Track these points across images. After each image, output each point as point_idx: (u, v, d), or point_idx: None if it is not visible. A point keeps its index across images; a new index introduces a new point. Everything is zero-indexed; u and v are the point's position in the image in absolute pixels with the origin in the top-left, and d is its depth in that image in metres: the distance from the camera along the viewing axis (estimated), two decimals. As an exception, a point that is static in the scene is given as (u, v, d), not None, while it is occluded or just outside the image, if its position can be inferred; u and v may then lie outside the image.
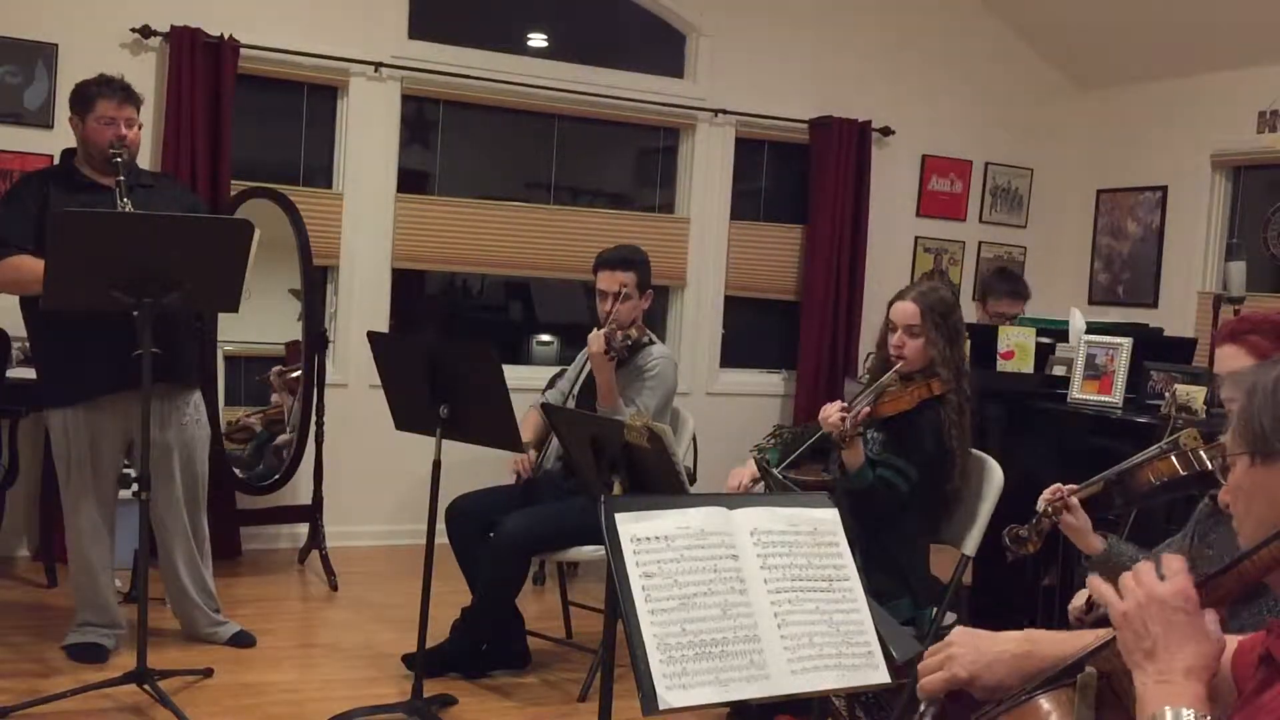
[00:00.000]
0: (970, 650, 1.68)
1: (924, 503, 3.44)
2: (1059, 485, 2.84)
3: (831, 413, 3.38)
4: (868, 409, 3.38)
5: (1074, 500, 2.79)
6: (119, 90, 3.86)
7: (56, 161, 4.07)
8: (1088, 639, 1.62)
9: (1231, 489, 1.51)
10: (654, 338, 4.27)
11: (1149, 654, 1.35)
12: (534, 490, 4.20)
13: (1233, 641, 1.55)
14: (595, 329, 4.07)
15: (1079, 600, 2.90)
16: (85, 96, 3.87)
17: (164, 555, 4.10)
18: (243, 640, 4.19)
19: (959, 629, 1.75)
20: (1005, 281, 5.73)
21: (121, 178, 3.71)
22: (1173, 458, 2.72)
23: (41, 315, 3.72)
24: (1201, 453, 2.62)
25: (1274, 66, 6.05)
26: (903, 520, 3.42)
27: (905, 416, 3.44)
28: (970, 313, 6.55)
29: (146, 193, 3.88)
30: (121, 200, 3.68)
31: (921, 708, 1.72)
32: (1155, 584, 1.37)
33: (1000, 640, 1.69)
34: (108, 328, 3.58)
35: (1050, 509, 2.83)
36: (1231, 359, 2.50)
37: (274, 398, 5.53)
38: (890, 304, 3.57)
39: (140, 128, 3.94)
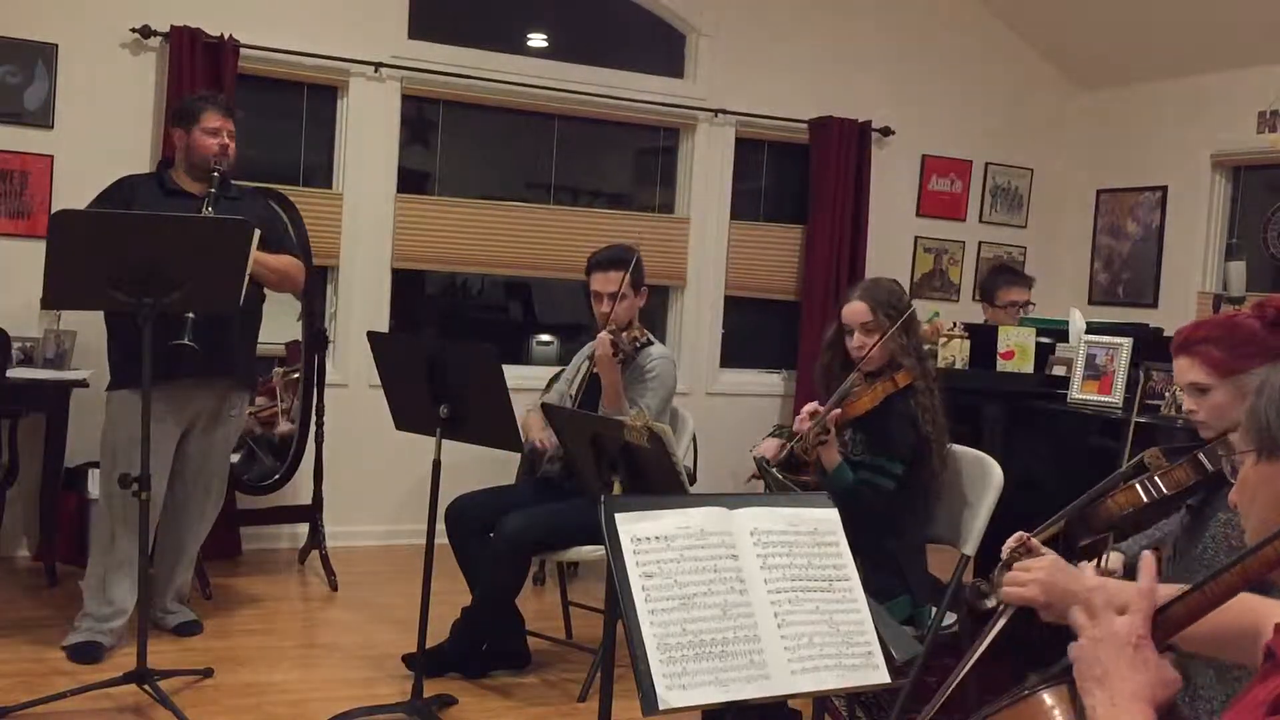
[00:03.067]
0: (1054, 583, 1.90)
1: (908, 495, 3.45)
2: (1021, 533, 2.78)
3: (804, 414, 3.41)
4: (835, 413, 3.40)
5: (1035, 543, 2.74)
6: (223, 104, 4.13)
7: (153, 170, 4.30)
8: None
9: (1239, 486, 1.54)
10: (652, 338, 4.27)
11: (1099, 680, 1.43)
12: (534, 490, 4.20)
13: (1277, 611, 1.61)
14: (599, 331, 4.06)
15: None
16: (191, 109, 4.10)
17: (173, 543, 4.22)
18: (187, 630, 4.26)
19: (1052, 557, 1.95)
20: (1006, 273, 5.73)
21: (213, 189, 3.94)
22: (1136, 487, 2.64)
23: None
24: (1159, 479, 2.56)
25: (1274, 66, 6.05)
26: (895, 516, 3.43)
27: (879, 413, 3.45)
28: (973, 314, 6.57)
29: (232, 204, 4.02)
30: (206, 208, 3.88)
31: (1000, 608, 1.97)
32: (1111, 621, 1.46)
33: (1079, 581, 1.88)
34: (166, 317, 3.65)
35: (1014, 556, 2.79)
36: (1186, 372, 2.42)
37: (260, 399, 5.52)
38: (840, 308, 3.61)
39: (235, 141, 4.13)
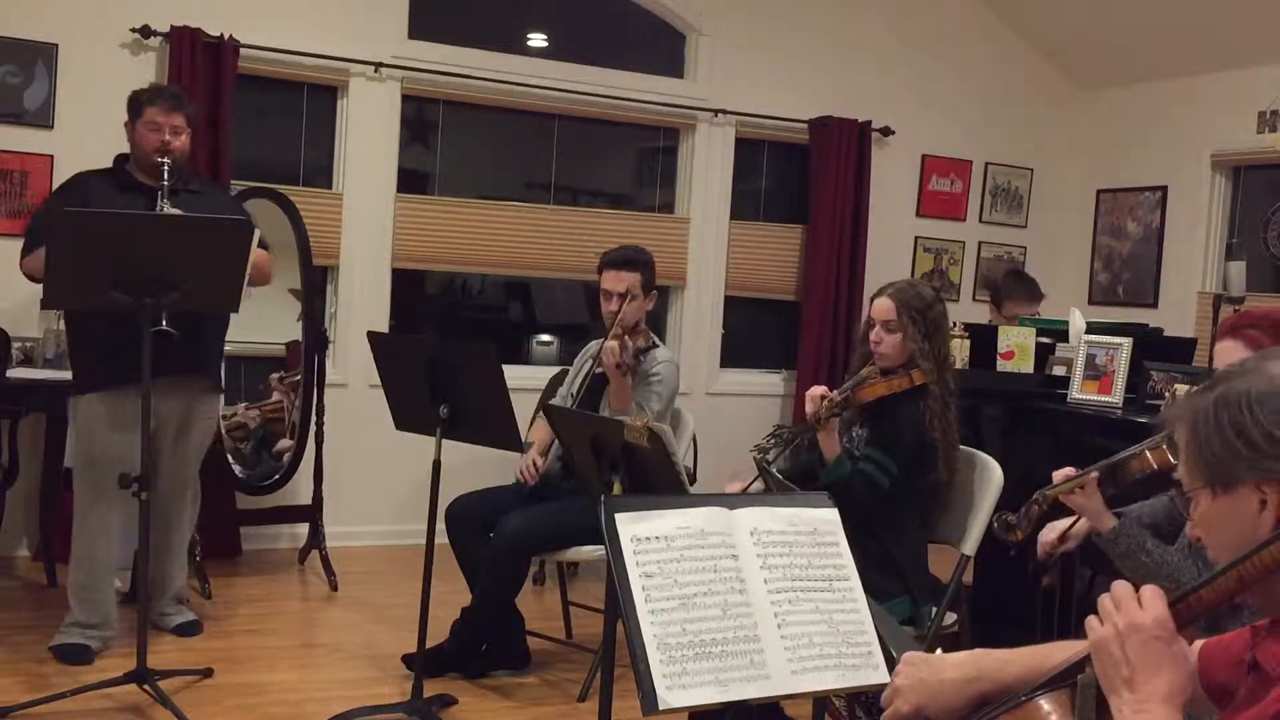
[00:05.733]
0: (914, 683, 1.69)
1: (910, 497, 3.45)
2: (1069, 469, 2.87)
3: (814, 394, 3.43)
4: (847, 394, 3.43)
5: (1091, 479, 2.81)
6: (169, 98, 4.02)
7: (110, 164, 4.17)
8: (1038, 657, 1.64)
9: (1200, 524, 1.48)
10: (657, 340, 4.27)
11: (1127, 681, 1.36)
12: (534, 490, 4.20)
13: (1197, 642, 1.56)
14: (606, 338, 4.06)
15: (1050, 535, 2.94)
16: (136, 103, 4.02)
17: (160, 543, 4.15)
18: (187, 630, 4.24)
19: (907, 656, 1.74)
20: (1020, 283, 5.73)
21: (165, 183, 3.85)
22: (1165, 449, 2.73)
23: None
24: None
25: (1274, 66, 6.05)
26: (896, 517, 3.43)
27: (887, 409, 3.45)
28: (973, 314, 6.57)
29: (191, 198, 3.97)
30: (161, 203, 3.81)
31: None
32: (1134, 611, 1.38)
33: (945, 667, 1.69)
34: (134, 317, 3.60)
35: (1041, 498, 2.87)
36: (1230, 353, 2.50)
37: (274, 395, 5.53)
38: (870, 301, 3.65)
39: (188, 136, 4.05)
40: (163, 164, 3.88)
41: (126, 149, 4.04)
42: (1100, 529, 2.82)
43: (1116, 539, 2.77)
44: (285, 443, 5.39)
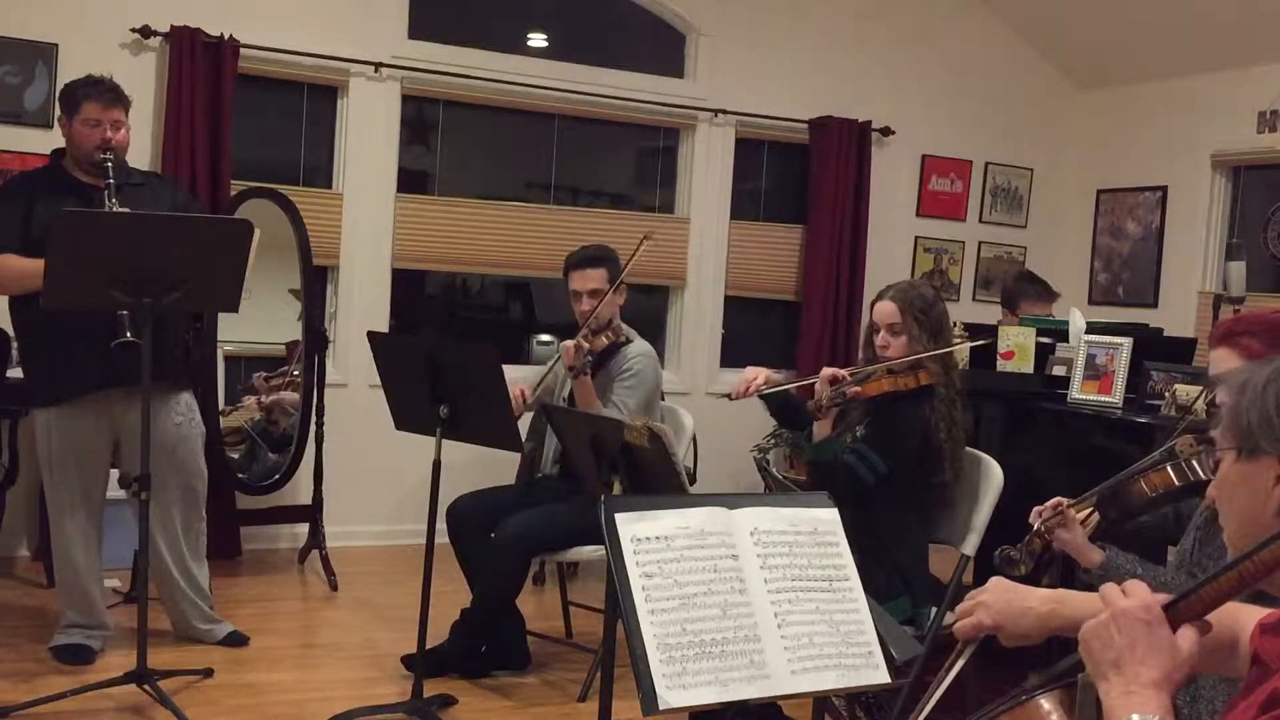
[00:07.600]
0: (1000, 602, 1.78)
1: (915, 498, 3.45)
2: (1060, 499, 2.81)
3: (827, 376, 3.45)
4: (856, 389, 3.43)
5: (1071, 513, 2.77)
6: (106, 92, 3.80)
7: (47, 160, 4.05)
8: None
9: (1218, 483, 1.54)
10: (630, 336, 4.25)
11: (1115, 664, 1.37)
12: (534, 491, 4.20)
13: (1254, 616, 1.57)
14: (580, 330, 4.07)
15: None
16: (72, 98, 3.81)
17: (154, 554, 4.05)
18: (236, 640, 4.19)
19: (996, 579, 1.85)
20: (1034, 284, 5.71)
21: (111, 180, 3.70)
22: (1168, 469, 2.69)
23: (27, 316, 3.76)
24: (1195, 463, 2.60)
25: (1274, 66, 6.05)
26: (896, 517, 3.42)
27: (891, 409, 3.45)
28: (974, 314, 6.57)
29: (135, 191, 3.86)
30: (110, 201, 3.66)
31: (959, 647, 1.82)
32: (1119, 598, 1.40)
33: (1031, 596, 1.78)
34: (93, 326, 3.56)
35: (1044, 526, 2.81)
36: (1224, 361, 2.48)
37: (261, 399, 5.51)
38: (871, 305, 3.63)
39: (128, 129, 3.88)
40: (105, 161, 3.71)
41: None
42: (1089, 565, 2.79)
43: (1107, 572, 2.75)
44: (290, 420, 5.38)
